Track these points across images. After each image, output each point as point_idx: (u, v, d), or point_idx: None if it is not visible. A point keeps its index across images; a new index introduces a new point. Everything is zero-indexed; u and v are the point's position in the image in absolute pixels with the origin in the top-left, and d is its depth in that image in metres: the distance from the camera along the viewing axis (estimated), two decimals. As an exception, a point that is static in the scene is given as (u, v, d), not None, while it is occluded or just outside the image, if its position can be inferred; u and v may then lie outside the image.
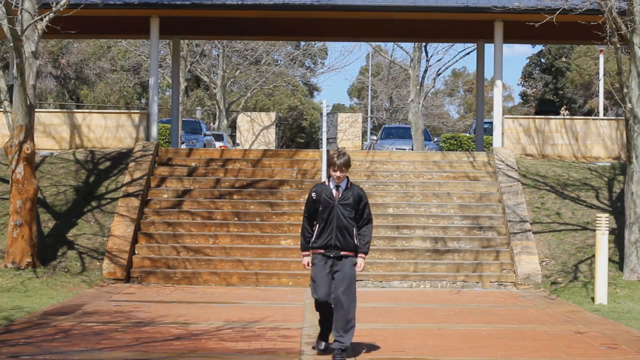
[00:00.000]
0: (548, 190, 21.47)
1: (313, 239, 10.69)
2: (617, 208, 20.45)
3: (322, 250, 10.64)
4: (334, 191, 10.65)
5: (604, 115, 41.49)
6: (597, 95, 44.44)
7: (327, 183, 10.77)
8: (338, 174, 10.59)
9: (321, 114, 23.76)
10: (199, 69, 53.34)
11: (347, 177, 10.72)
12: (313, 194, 10.71)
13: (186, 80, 48.97)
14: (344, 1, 22.63)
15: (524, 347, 11.82)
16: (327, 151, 9.90)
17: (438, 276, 18.78)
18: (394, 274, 18.78)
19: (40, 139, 22.75)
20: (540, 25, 20.30)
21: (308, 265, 10.77)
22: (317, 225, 10.69)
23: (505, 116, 24.59)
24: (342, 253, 10.62)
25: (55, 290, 16.61)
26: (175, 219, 20.31)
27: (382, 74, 72.80)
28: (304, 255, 10.84)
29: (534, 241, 19.32)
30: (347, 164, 10.62)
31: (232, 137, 58.31)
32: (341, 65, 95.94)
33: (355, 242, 10.68)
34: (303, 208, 12.86)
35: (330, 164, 10.64)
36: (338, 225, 10.58)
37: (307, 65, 68.59)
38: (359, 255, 10.70)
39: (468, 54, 49.66)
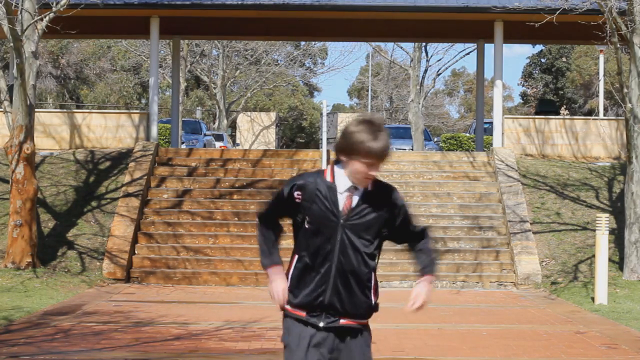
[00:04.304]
0: (548, 190, 21.46)
1: (289, 283, 5.18)
2: (617, 208, 20.44)
3: (304, 313, 5.15)
4: (342, 197, 5.10)
5: (604, 115, 41.47)
6: (597, 95, 44.43)
7: (329, 177, 5.12)
8: (372, 172, 5.05)
9: (321, 114, 23.76)
10: (199, 69, 53.36)
11: None
12: (297, 194, 5.12)
13: (186, 80, 48.99)
14: (344, 1, 22.63)
15: (524, 347, 11.82)
16: (346, 127, 4.93)
17: (438, 276, 18.77)
18: (394, 274, 18.77)
19: (40, 139, 22.75)
20: (540, 25, 20.31)
21: (284, 293, 5.18)
22: (298, 257, 5.19)
23: (505, 116, 24.59)
24: (343, 323, 5.15)
25: (55, 290, 16.60)
26: (175, 219, 20.31)
27: (382, 74, 72.81)
28: (271, 276, 5.21)
29: (534, 241, 19.31)
30: (388, 153, 5.10)
31: (232, 137, 58.32)
32: (341, 65, 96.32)
33: (373, 301, 5.24)
34: None
35: (360, 151, 4.97)
36: (342, 269, 5.11)
37: (307, 65, 68.61)
38: (425, 277, 5.37)
39: (468, 54, 49.73)
